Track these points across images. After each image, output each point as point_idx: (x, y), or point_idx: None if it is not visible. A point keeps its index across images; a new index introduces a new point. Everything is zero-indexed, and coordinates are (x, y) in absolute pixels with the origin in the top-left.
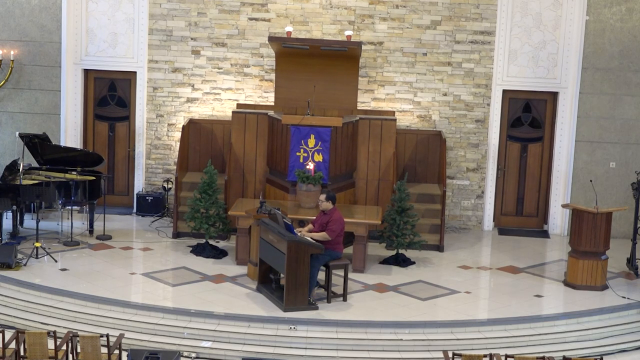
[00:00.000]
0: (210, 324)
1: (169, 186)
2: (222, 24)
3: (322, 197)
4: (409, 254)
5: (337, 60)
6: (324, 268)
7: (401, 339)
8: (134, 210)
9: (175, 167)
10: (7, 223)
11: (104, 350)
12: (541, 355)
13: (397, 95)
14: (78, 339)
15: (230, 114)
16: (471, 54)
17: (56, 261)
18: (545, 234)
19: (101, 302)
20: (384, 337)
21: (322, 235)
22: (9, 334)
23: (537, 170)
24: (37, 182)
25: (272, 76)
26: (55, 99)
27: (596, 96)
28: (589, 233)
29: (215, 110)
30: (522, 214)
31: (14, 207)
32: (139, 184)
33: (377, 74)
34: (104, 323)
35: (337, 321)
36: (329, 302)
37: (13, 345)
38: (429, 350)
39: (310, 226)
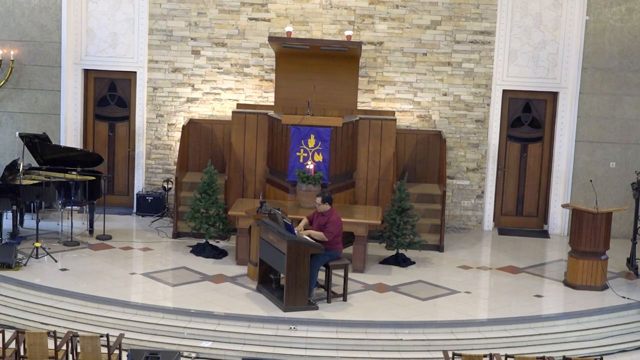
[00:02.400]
0: (210, 324)
1: (169, 186)
2: (222, 24)
3: (319, 199)
4: (409, 254)
5: (337, 60)
6: (324, 268)
7: (401, 339)
8: (134, 210)
9: (175, 167)
10: (7, 223)
11: (104, 350)
12: (541, 355)
13: (397, 95)
14: (78, 339)
15: (230, 114)
16: (471, 54)
17: (56, 261)
18: (545, 234)
19: (101, 302)
20: (384, 337)
21: (319, 236)
22: (9, 334)
23: (537, 170)
24: (37, 182)
25: (272, 76)
26: (55, 99)
27: (596, 96)
28: (589, 233)
29: (215, 110)
30: (522, 214)
31: (14, 207)
32: (139, 184)
33: (377, 74)
34: (104, 323)
35: (337, 321)
36: (329, 302)
37: (13, 345)
38: (429, 350)
39: (305, 220)
